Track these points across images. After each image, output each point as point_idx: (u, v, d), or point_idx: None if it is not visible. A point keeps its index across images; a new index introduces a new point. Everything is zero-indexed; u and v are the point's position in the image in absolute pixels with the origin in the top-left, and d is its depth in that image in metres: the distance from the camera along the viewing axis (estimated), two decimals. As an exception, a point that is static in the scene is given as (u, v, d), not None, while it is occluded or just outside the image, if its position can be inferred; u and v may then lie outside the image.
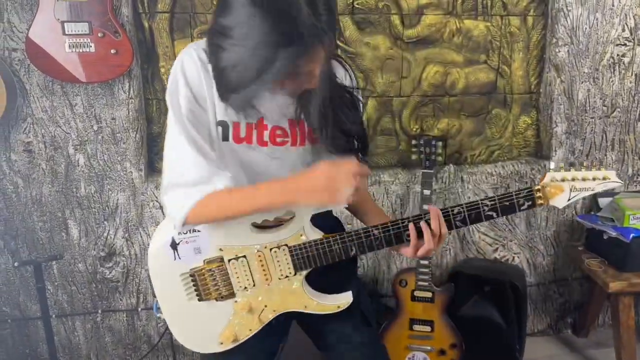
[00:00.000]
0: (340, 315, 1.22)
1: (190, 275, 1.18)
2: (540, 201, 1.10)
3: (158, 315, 1.32)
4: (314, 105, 1.10)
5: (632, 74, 2.47)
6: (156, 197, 2.25)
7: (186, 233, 1.16)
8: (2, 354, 2.31)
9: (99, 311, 2.33)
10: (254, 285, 1.18)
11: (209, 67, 1.07)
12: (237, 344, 1.21)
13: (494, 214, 1.12)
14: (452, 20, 2.36)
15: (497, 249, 2.53)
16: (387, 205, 2.37)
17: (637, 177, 2.58)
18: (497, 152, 2.55)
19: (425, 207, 2.07)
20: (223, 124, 1.12)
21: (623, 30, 2.41)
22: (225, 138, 1.13)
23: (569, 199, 1.11)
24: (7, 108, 2.01)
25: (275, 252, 1.16)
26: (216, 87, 1.06)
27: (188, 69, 1.10)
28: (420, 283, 2.17)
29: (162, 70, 2.24)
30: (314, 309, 1.19)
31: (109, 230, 2.27)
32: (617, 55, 2.43)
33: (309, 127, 1.18)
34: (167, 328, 2.34)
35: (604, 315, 2.68)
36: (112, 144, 2.20)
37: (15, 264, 1.88)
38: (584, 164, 1.12)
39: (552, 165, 1.14)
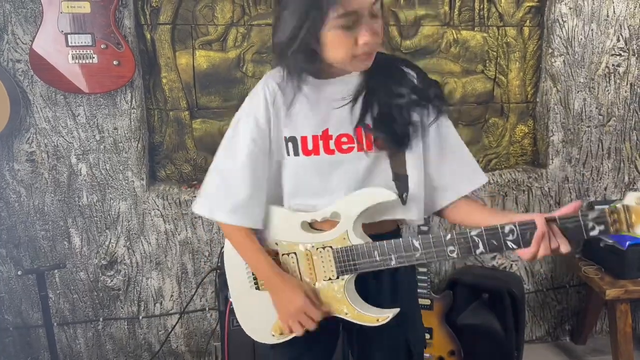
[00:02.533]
0: (383, 343, 1.26)
1: None
2: (614, 227, 0.96)
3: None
4: (375, 107, 1.16)
5: (627, 84, 2.50)
6: (157, 206, 2.28)
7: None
8: (4, 362, 2.32)
9: (100, 319, 2.35)
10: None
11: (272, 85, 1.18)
12: (286, 338, 1.25)
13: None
14: (449, 31, 2.40)
15: (495, 256, 2.56)
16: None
17: (633, 185, 2.61)
18: (494, 160, 2.58)
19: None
20: (292, 140, 1.16)
21: (618, 40, 2.45)
22: (296, 153, 1.17)
23: None
24: (11, 118, 2.04)
25: (320, 252, 1.19)
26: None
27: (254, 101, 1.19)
28: (419, 290, 2.19)
29: (164, 80, 2.27)
30: (353, 317, 1.20)
31: (110, 239, 2.29)
32: (613, 65, 2.47)
33: (370, 133, 1.18)
34: (168, 336, 2.36)
35: (601, 322, 2.69)
36: (114, 153, 2.23)
37: (19, 273, 1.90)
38: None
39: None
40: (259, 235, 1.25)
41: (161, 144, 2.34)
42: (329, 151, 1.16)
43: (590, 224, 0.98)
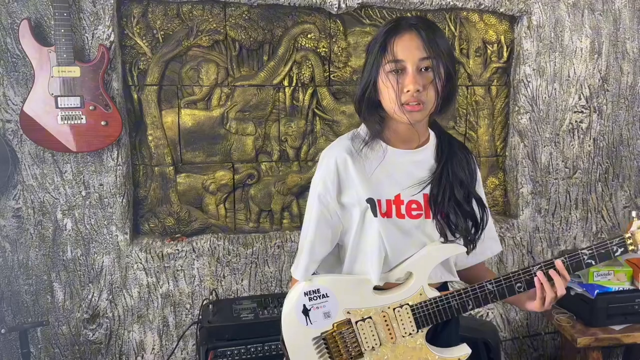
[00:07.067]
0: None
1: (322, 339, 1.30)
2: (632, 247, 1.23)
3: None
4: (443, 183, 1.29)
5: (590, 139, 2.65)
6: (140, 260, 2.32)
7: (316, 299, 1.29)
8: (-18, 419, 2.30)
9: (81, 373, 2.35)
10: (380, 345, 1.29)
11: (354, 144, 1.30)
12: None
13: (593, 262, 1.25)
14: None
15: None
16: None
17: (601, 234, 2.73)
18: (468, 211, 2.68)
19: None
20: (370, 202, 1.26)
21: (580, 98, 2.61)
22: (374, 214, 1.26)
23: None
24: (-1, 176, 2.10)
25: (398, 311, 1.28)
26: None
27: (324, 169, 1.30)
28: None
29: (150, 137, 2.36)
30: None
31: (93, 293, 2.32)
32: (576, 121, 2.62)
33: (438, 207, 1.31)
34: (148, 390, 2.36)
35: (577, 368, 2.75)
36: (99, 208, 2.29)
37: (2, 331, 1.91)
38: None
39: (634, 213, 1.25)
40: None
41: (145, 198, 2.41)
42: (400, 215, 1.28)
43: (615, 248, 1.23)
